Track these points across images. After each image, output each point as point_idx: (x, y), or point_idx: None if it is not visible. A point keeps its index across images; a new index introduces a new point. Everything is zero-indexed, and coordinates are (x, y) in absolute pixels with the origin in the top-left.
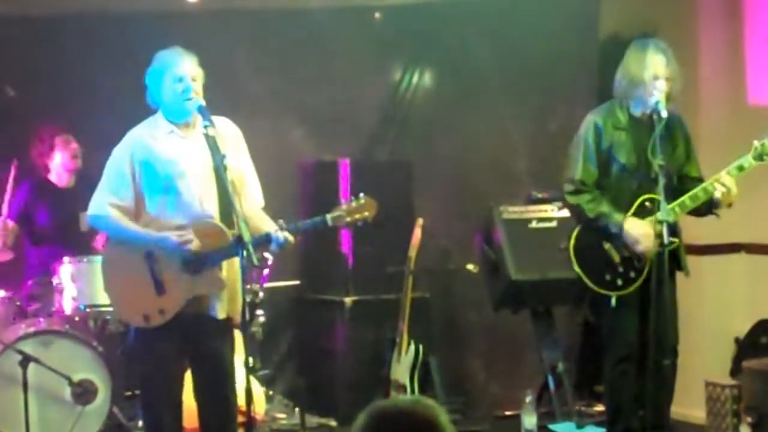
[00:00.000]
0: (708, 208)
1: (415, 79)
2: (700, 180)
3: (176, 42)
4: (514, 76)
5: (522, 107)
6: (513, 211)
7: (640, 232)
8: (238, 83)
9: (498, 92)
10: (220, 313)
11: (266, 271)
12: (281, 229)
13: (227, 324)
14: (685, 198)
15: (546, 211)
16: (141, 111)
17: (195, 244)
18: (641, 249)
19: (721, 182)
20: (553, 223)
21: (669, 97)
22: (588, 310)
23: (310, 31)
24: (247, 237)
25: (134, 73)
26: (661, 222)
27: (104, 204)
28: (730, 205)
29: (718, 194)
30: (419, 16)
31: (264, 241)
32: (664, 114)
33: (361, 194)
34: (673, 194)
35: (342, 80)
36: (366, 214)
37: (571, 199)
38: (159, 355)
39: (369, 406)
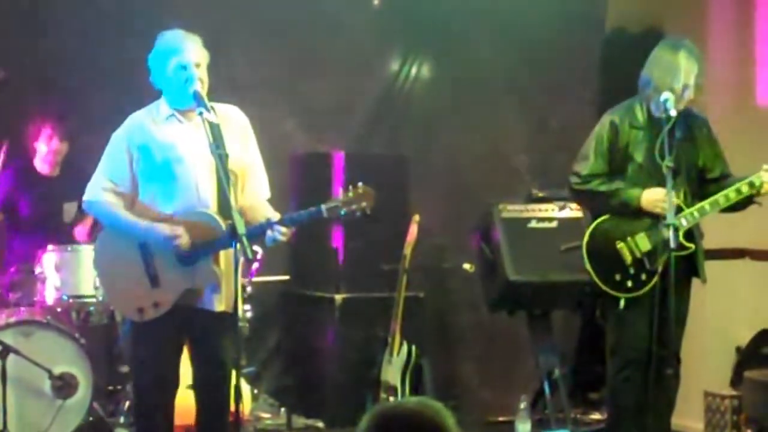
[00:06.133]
0: (748, 201)
1: (414, 70)
2: (728, 178)
3: (167, 25)
4: (516, 69)
5: (523, 102)
6: (512, 210)
7: (658, 197)
8: (229, 69)
9: (499, 86)
10: (217, 306)
11: (256, 265)
12: (277, 224)
13: (225, 316)
14: (704, 203)
15: (546, 210)
16: (130, 96)
17: (184, 241)
18: (660, 211)
19: (761, 182)
20: (554, 224)
21: (692, 101)
22: (598, 311)
23: (305, 16)
24: (241, 230)
25: (124, 56)
26: (668, 226)
27: (100, 189)
28: None
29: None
30: (419, 4)
31: (263, 228)
32: (673, 113)
33: (359, 183)
34: (700, 195)
35: (338, 69)
36: (363, 204)
37: (582, 188)
38: (153, 348)
39: (373, 407)
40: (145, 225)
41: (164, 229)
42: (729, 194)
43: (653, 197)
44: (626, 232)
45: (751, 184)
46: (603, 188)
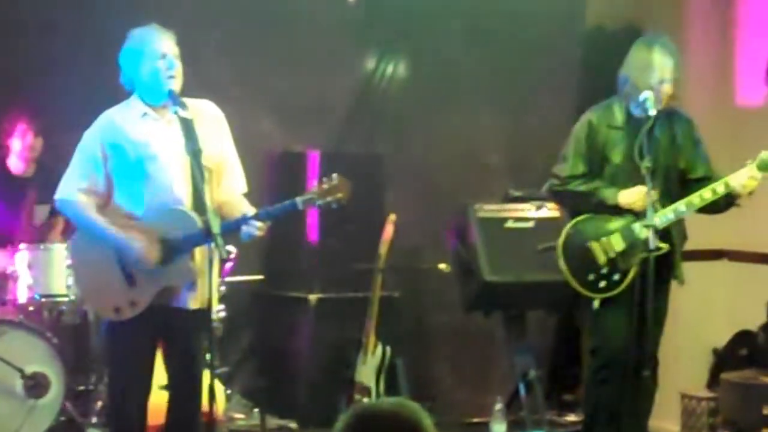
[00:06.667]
0: (727, 203)
1: (390, 68)
2: (711, 179)
3: (138, 21)
4: (493, 67)
5: (501, 100)
6: (488, 210)
7: (633, 191)
8: (203, 66)
9: (476, 84)
10: (192, 304)
11: (229, 264)
12: (252, 218)
13: (200, 314)
14: (679, 203)
15: (523, 210)
16: (100, 93)
17: (154, 260)
18: (639, 206)
19: (736, 183)
20: (530, 224)
21: (673, 97)
22: (576, 313)
23: (280, 14)
24: (215, 229)
25: (94, 53)
26: (647, 227)
27: (73, 189)
28: (750, 194)
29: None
30: (395, 3)
31: (239, 223)
32: (652, 112)
33: (334, 174)
34: (682, 196)
35: (313, 68)
36: (339, 195)
37: (561, 189)
38: (130, 348)
39: (350, 407)
40: (121, 237)
41: (135, 246)
42: (704, 194)
43: (631, 194)
44: (601, 232)
45: (726, 185)
46: (582, 188)
